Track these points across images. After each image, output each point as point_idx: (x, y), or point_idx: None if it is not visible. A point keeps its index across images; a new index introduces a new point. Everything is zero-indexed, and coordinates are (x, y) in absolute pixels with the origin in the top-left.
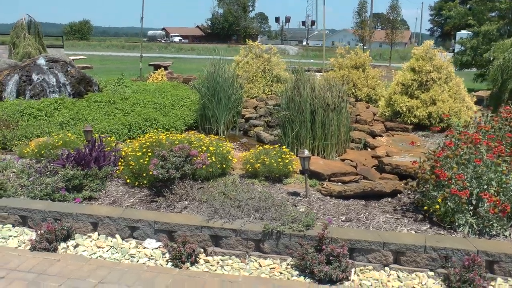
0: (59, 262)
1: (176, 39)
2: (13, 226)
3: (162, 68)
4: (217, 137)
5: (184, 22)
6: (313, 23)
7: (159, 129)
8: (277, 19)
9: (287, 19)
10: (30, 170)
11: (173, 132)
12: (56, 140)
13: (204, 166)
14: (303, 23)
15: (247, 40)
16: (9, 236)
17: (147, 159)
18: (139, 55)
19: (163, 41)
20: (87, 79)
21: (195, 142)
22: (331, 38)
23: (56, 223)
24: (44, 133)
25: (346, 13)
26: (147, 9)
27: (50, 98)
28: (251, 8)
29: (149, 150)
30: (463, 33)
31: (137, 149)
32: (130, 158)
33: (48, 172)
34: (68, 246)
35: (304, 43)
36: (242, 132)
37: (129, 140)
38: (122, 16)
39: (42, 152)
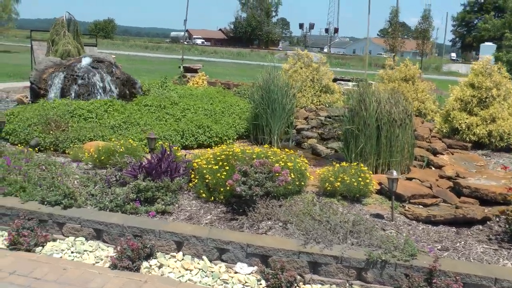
0: (146, 284)
1: (199, 41)
2: (87, 239)
3: (203, 72)
4: (273, 148)
5: (206, 25)
6: (336, 30)
7: (212, 137)
8: (301, 26)
9: (311, 26)
10: (95, 177)
11: (226, 141)
12: (118, 146)
13: (284, 183)
14: (326, 30)
15: (269, 45)
16: (84, 250)
17: (224, 173)
18: (164, 56)
19: (185, 42)
20: (131, 81)
21: (271, 157)
22: (353, 46)
23: (136, 239)
24: (97, 136)
25: (365, 21)
26: (170, 11)
27: (100, 100)
28: (274, 13)
29: (225, 164)
30: (488, 45)
31: (212, 161)
32: (205, 171)
33: (115, 181)
34: (151, 266)
35: (326, 50)
36: (294, 143)
37: (180, 147)
38: (144, 16)
39: (102, 158)
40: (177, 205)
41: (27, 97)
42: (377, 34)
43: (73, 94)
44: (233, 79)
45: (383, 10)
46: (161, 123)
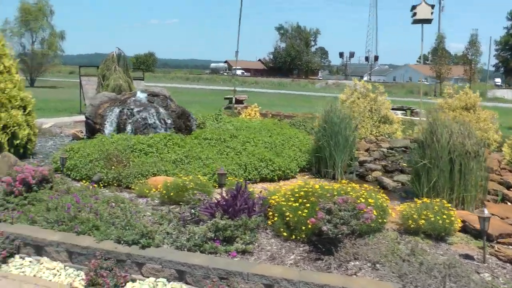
0: None
1: (239, 72)
2: (168, 280)
3: (255, 104)
4: (342, 181)
5: (246, 56)
6: (376, 58)
7: (275, 170)
8: (341, 55)
9: (351, 54)
10: (169, 215)
11: (288, 174)
12: (188, 182)
13: (369, 221)
14: (366, 58)
15: (308, 74)
16: None
17: (306, 211)
18: (206, 87)
19: (225, 73)
20: (186, 114)
21: (351, 193)
22: (393, 74)
23: (222, 282)
24: (161, 171)
25: (403, 48)
26: (208, 42)
27: (159, 134)
28: (313, 43)
29: (304, 201)
30: None
31: (291, 198)
32: (284, 209)
33: (190, 219)
34: None
35: (365, 78)
36: (357, 176)
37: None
38: (183, 48)
39: (172, 194)
40: (256, 244)
41: (81, 132)
42: (417, 61)
43: (129, 129)
44: (280, 109)
45: (419, 36)
46: (223, 157)
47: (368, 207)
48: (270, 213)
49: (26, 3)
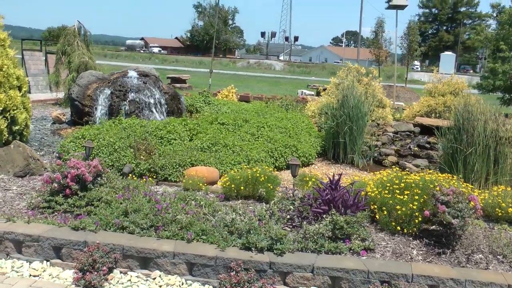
0: None
1: (155, 49)
2: None
3: (232, 85)
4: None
5: (162, 33)
6: (296, 38)
7: (300, 157)
8: (262, 34)
9: (273, 34)
10: (267, 213)
11: (310, 160)
12: (258, 174)
13: (480, 213)
14: (286, 38)
15: (226, 53)
16: None
17: (416, 203)
18: (129, 65)
19: (141, 51)
20: (178, 96)
21: (443, 183)
22: (309, 55)
23: (383, 286)
24: (197, 161)
25: (317, 29)
26: (125, 18)
27: (175, 119)
28: (231, 22)
29: (406, 192)
30: (447, 54)
31: (396, 191)
32: (391, 202)
33: (290, 217)
34: None
35: (282, 57)
36: (372, 161)
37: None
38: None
39: (241, 188)
40: (370, 240)
41: (64, 115)
42: (330, 43)
43: (123, 112)
44: (244, 91)
45: (334, 19)
46: (248, 144)
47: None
48: (372, 206)
49: None
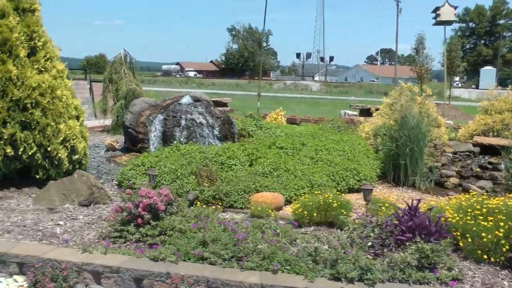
0: None
1: (191, 73)
2: None
3: (281, 108)
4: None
5: (197, 57)
6: (331, 59)
7: (361, 180)
8: (298, 55)
9: (308, 55)
10: (347, 240)
11: (371, 183)
12: (330, 200)
13: None
14: (322, 59)
15: (261, 75)
16: None
17: (502, 230)
18: (168, 90)
19: (178, 75)
20: (230, 121)
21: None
22: (344, 74)
23: None
24: (262, 186)
25: (351, 49)
26: (160, 43)
27: (234, 144)
28: (265, 44)
29: (491, 218)
30: (487, 69)
31: (479, 217)
32: (474, 229)
33: (369, 244)
34: None
35: (317, 78)
36: (432, 182)
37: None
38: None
39: (314, 214)
40: (457, 269)
41: (117, 142)
42: (365, 61)
43: (177, 138)
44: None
45: (368, 37)
46: (309, 167)
47: None
48: (454, 233)
49: None
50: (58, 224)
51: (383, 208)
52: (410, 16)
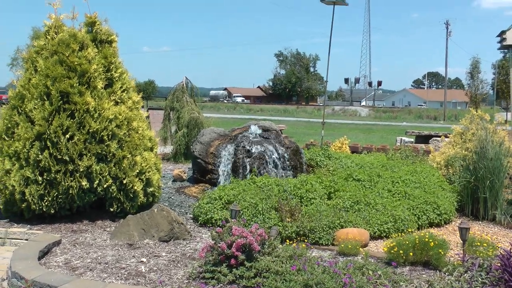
0: None
1: (239, 99)
2: None
3: (345, 136)
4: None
5: (244, 83)
6: (379, 83)
7: (441, 214)
8: (346, 80)
9: (356, 80)
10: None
11: (450, 217)
12: (427, 239)
13: None
14: (370, 83)
15: (308, 100)
16: None
17: None
18: (220, 116)
19: (225, 101)
20: (299, 151)
21: None
22: (391, 99)
23: None
24: (347, 222)
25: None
26: (207, 69)
27: (311, 176)
28: (312, 69)
29: None
30: None
31: None
32: None
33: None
34: None
35: (363, 103)
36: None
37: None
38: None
39: (411, 254)
40: None
41: (184, 172)
42: (412, 85)
43: (247, 169)
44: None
45: (414, 61)
46: (387, 201)
47: None
48: None
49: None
50: (141, 261)
51: (481, 248)
52: (457, 39)
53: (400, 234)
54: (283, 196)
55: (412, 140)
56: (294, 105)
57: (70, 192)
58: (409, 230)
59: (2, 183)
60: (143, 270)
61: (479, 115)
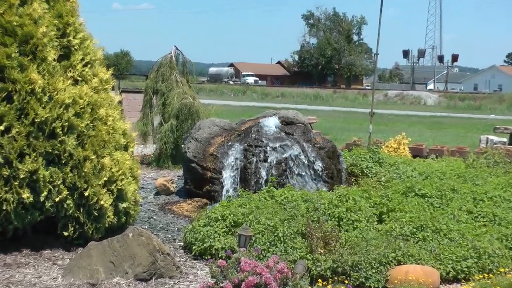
0: None
1: (250, 79)
2: None
3: (404, 134)
4: None
5: (257, 57)
6: (455, 58)
7: None
8: (405, 54)
9: (421, 53)
10: None
11: None
12: None
13: None
14: (440, 58)
15: (351, 82)
16: None
17: None
18: (227, 103)
19: (231, 82)
20: (336, 152)
21: None
22: (472, 80)
23: None
24: (405, 256)
25: (477, 45)
26: (207, 38)
27: (353, 190)
28: (355, 37)
29: None
30: None
31: None
32: None
33: None
34: None
35: (431, 86)
36: None
37: None
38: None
39: None
40: None
41: (172, 182)
42: (504, 61)
43: (263, 178)
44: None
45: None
46: (467, 227)
47: None
48: None
49: None
50: None
51: None
52: None
53: (486, 275)
54: (313, 217)
55: (505, 140)
56: (330, 88)
57: (4, 208)
58: (501, 270)
59: None
60: None
61: None
